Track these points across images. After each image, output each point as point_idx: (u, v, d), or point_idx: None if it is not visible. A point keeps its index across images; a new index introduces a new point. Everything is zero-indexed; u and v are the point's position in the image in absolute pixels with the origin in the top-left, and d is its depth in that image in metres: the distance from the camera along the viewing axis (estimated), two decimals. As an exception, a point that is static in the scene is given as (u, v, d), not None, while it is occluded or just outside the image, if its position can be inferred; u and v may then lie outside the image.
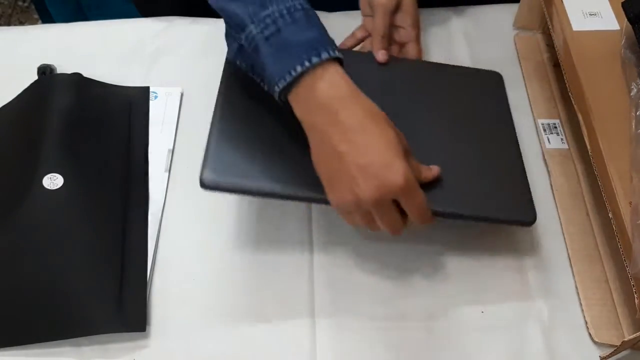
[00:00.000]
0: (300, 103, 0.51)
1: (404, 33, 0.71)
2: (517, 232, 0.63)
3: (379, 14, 0.68)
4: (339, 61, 0.51)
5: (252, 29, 0.51)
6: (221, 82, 0.64)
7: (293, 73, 0.49)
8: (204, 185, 0.55)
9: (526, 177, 0.62)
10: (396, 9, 0.69)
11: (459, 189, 0.59)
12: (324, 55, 0.49)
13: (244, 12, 0.52)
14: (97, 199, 0.63)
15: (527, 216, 0.60)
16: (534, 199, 0.65)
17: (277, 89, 0.51)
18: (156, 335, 0.58)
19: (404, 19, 0.70)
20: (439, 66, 0.73)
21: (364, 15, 0.73)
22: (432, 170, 0.56)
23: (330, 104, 0.49)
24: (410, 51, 0.71)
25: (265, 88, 0.54)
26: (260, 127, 0.59)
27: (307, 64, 0.49)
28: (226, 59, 0.63)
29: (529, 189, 0.61)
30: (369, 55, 0.69)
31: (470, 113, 0.67)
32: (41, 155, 0.64)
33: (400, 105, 0.65)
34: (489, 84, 0.70)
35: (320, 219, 0.64)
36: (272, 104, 0.55)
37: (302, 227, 0.64)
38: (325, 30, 0.52)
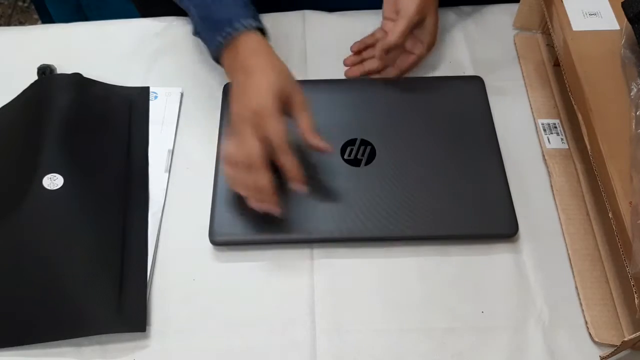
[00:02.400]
0: (227, 62, 0.65)
1: (417, 47, 0.71)
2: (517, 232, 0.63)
3: (401, 22, 0.68)
4: (261, 30, 0.64)
5: (192, 9, 0.67)
6: (221, 116, 0.70)
7: (216, 43, 0.64)
8: (213, 242, 0.62)
9: (508, 187, 0.63)
10: (419, 24, 0.70)
11: (438, 211, 0.62)
12: (240, 28, 0.63)
13: None
14: (97, 199, 0.63)
15: (507, 229, 0.62)
16: (533, 199, 0.65)
17: (210, 55, 0.66)
18: (156, 335, 0.58)
19: (422, 35, 0.71)
20: (420, 81, 0.74)
21: (386, 18, 0.73)
22: (319, 142, 0.60)
23: (246, 58, 0.62)
24: (407, 60, 0.72)
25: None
26: None
27: (226, 35, 0.63)
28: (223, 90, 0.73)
29: (511, 199, 0.63)
30: (358, 81, 0.73)
31: (452, 127, 0.68)
32: (41, 156, 0.64)
33: (384, 126, 0.67)
34: (469, 91, 0.70)
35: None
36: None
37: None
38: (248, 6, 0.65)
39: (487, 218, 0.62)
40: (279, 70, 0.61)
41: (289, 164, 0.58)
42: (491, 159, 0.66)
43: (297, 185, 0.59)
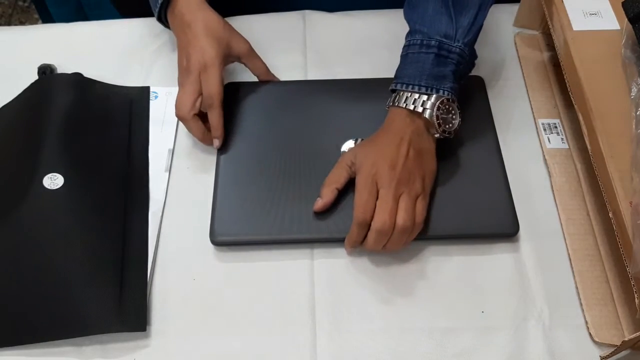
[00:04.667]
0: (170, 22, 0.71)
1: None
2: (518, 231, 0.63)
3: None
4: None
5: None
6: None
7: (156, 6, 0.70)
8: (214, 242, 0.62)
9: (508, 186, 0.64)
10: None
11: (438, 211, 0.62)
12: None
13: None
14: (98, 199, 0.63)
15: (508, 228, 0.62)
16: (534, 199, 0.65)
17: (155, 16, 0.72)
18: (156, 335, 0.58)
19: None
20: None
21: None
22: (273, 78, 0.73)
23: (182, 18, 0.68)
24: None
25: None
26: (258, 179, 0.65)
27: None
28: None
29: (512, 199, 0.63)
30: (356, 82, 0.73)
31: None
32: (41, 155, 0.64)
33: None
34: (470, 91, 0.70)
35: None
36: (268, 155, 0.66)
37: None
38: None
39: (487, 218, 0.62)
40: (216, 23, 0.67)
41: (215, 120, 0.66)
42: (491, 158, 0.66)
43: (214, 142, 0.67)
